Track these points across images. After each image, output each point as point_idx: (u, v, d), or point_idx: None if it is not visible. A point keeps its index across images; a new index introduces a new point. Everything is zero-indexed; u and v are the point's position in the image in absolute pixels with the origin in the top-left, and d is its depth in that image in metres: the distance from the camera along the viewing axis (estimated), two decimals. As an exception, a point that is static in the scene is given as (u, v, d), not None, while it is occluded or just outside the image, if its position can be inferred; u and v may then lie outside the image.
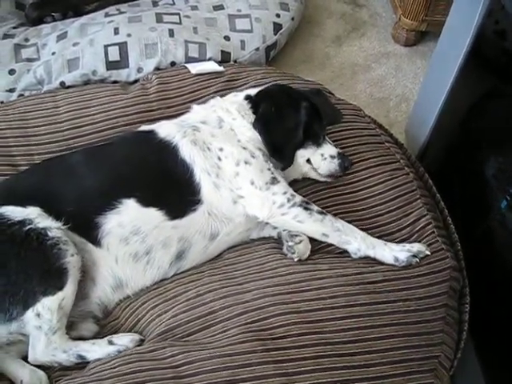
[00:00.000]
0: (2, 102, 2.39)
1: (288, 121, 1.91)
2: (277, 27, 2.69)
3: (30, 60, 2.47)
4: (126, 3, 2.75)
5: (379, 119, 2.49)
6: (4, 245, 1.63)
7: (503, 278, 1.93)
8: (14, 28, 2.63)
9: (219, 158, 1.85)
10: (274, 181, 1.83)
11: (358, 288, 1.68)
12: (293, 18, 2.77)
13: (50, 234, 1.64)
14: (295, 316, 1.59)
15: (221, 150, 1.86)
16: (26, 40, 2.54)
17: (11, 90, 2.41)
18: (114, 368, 1.49)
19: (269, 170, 1.85)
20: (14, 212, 1.67)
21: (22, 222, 1.64)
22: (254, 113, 1.94)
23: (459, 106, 2.25)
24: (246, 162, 1.84)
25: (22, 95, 2.40)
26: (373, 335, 1.60)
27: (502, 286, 1.94)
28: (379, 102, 2.86)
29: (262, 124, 1.89)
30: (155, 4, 2.77)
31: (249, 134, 1.90)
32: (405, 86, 2.92)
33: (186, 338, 1.61)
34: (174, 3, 2.79)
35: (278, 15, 2.71)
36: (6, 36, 2.55)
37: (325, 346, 1.54)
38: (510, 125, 2.01)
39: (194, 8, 2.66)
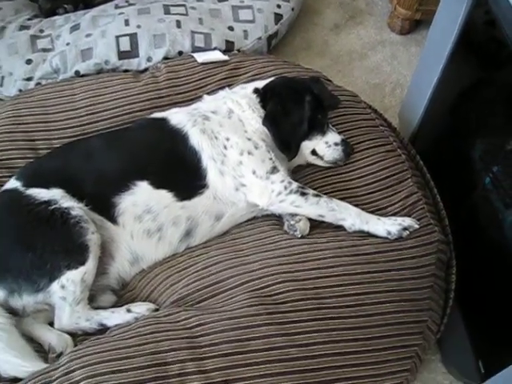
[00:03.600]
0: (20, 90, 2.49)
1: (293, 117, 2.01)
2: (278, 17, 2.77)
3: (45, 50, 2.56)
4: None
5: (375, 104, 2.59)
6: (32, 223, 1.76)
7: (487, 250, 2.04)
8: (29, 19, 2.74)
9: (225, 147, 1.95)
10: (273, 170, 1.94)
11: (353, 259, 1.81)
12: (293, 9, 2.86)
13: (72, 213, 1.77)
14: (295, 283, 1.73)
15: (227, 139, 1.96)
16: (41, 31, 2.64)
17: (29, 79, 2.50)
18: (134, 330, 1.64)
19: (270, 159, 1.96)
20: (40, 193, 1.80)
21: (48, 202, 1.77)
22: (262, 107, 2.04)
23: (449, 92, 2.31)
24: (249, 153, 1.95)
25: (39, 83, 2.50)
26: (366, 301, 1.74)
27: (487, 257, 2.04)
28: (375, 87, 2.92)
29: (271, 122, 1.99)
30: None
31: (256, 126, 2.00)
32: (399, 72, 2.98)
33: (197, 305, 1.75)
34: None
35: (278, 6, 2.79)
36: (22, 27, 2.66)
37: (322, 310, 1.69)
38: (496, 110, 2.06)
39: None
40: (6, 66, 2.54)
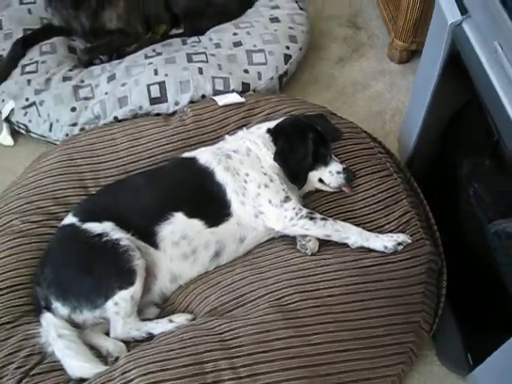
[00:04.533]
0: (67, 135, 2.77)
1: (299, 153, 2.23)
2: (287, 57, 2.98)
3: (86, 99, 2.82)
4: (159, 43, 3.08)
5: (376, 130, 2.83)
6: (88, 253, 2.01)
7: (474, 258, 2.24)
8: (70, 70, 2.98)
9: (245, 181, 2.17)
10: (286, 199, 2.14)
11: (354, 271, 2.04)
12: (301, 48, 3.07)
13: (121, 243, 2.00)
14: (306, 294, 1.97)
15: (247, 175, 2.18)
16: (82, 81, 2.89)
17: (74, 125, 2.78)
18: (176, 336, 1.90)
19: (283, 190, 2.17)
20: (94, 227, 2.04)
21: (101, 235, 2.01)
22: (274, 144, 2.26)
23: (442, 116, 2.45)
24: (265, 186, 2.16)
25: (83, 129, 2.76)
26: (366, 306, 1.97)
27: (474, 264, 2.24)
28: (377, 114, 3.09)
29: (280, 158, 2.22)
30: (184, 42, 3.09)
31: (270, 162, 2.23)
32: (399, 99, 3.15)
33: (227, 314, 2.00)
34: (200, 41, 3.07)
35: (287, 47, 3.00)
36: (65, 79, 2.91)
37: (329, 315, 1.93)
38: (480, 132, 2.13)
39: (218, 46, 2.97)
40: (54, 114, 2.80)
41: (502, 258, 2.09)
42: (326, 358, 1.87)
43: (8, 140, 2.97)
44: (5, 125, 2.96)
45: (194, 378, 1.79)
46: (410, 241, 2.16)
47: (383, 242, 2.14)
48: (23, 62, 3.05)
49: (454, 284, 2.25)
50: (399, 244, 2.14)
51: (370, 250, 2.13)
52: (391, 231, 2.22)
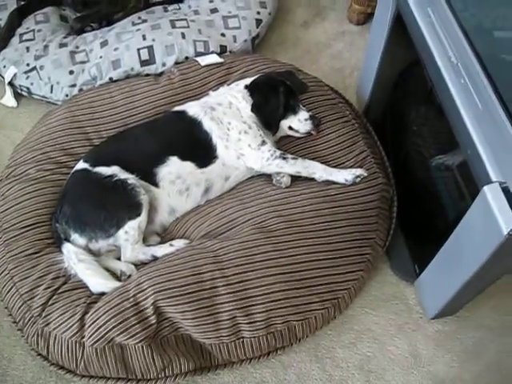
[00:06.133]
0: (66, 95, 2.98)
1: (272, 104, 2.48)
2: (258, 22, 3.21)
3: (82, 62, 3.01)
4: (143, 11, 3.31)
5: (338, 84, 3.05)
6: (101, 190, 2.24)
7: (419, 187, 2.55)
8: (65, 38, 3.17)
9: (228, 129, 2.41)
10: (263, 143, 2.40)
11: (321, 199, 2.34)
12: (270, 13, 3.30)
13: (129, 181, 2.24)
14: (281, 218, 2.27)
15: (229, 123, 2.42)
16: (77, 47, 3.08)
17: (73, 86, 2.98)
18: (178, 255, 2.18)
19: (260, 135, 2.42)
20: (104, 170, 2.27)
21: (111, 176, 2.25)
22: (251, 98, 2.50)
23: (391, 71, 2.68)
24: (245, 132, 2.41)
25: (81, 89, 2.96)
26: (331, 226, 2.27)
27: (419, 191, 2.55)
28: (337, 71, 3.31)
29: (256, 109, 2.47)
30: (165, 10, 3.32)
31: (249, 113, 2.47)
32: (357, 57, 3.34)
33: (218, 237, 2.27)
34: (180, 8, 3.32)
35: (258, 12, 3.23)
36: (61, 45, 3.10)
37: (301, 233, 2.23)
38: (422, 83, 2.31)
39: (196, 13, 3.19)
40: (54, 77, 3.00)
41: (441, 186, 2.42)
42: (299, 266, 2.17)
43: (12, 101, 3.19)
44: (8, 88, 3.16)
45: (195, 285, 2.09)
46: (366, 174, 2.43)
47: (344, 175, 2.41)
48: (20, 30, 3.23)
49: (403, 209, 2.55)
50: (357, 177, 2.41)
51: (333, 183, 2.41)
52: (351, 167, 2.50)
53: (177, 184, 2.39)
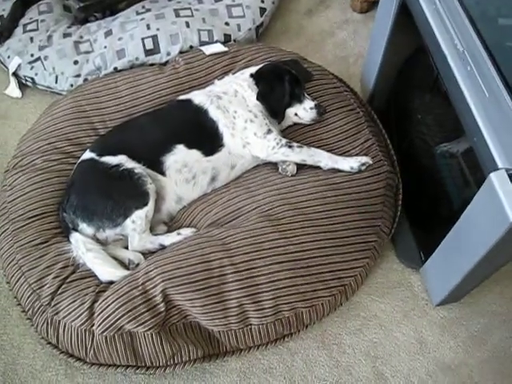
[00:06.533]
0: (71, 85, 3.00)
1: (277, 93, 2.50)
2: (262, 11, 3.24)
3: (87, 52, 3.02)
4: (146, 0, 3.29)
5: (342, 73, 3.03)
6: (109, 180, 2.25)
7: (424, 175, 2.55)
8: (68, 27, 3.18)
9: (234, 117, 2.42)
10: (269, 132, 2.41)
11: (326, 187, 2.35)
12: (273, 2, 3.33)
13: (135, 171, 2.24)
14: (288, 206, 2.28)
15: (235, 112, 2.43)
16: (81, 37, 3.10)
17: (78, 76, 2.99)
18: (186, 243, 2.19)
19: (266, 124, 2.43)
20: (111, 159, 2.28)
21: (118, 165, 2.26)
22: (257, 86, 2.51)
23: (396, 59, 2.67)
24: (251, 121, 2.42)
25: (86, 79, 2.97)
26: (336, 214, 2.29)
27: (424, 179, 2.54)
28: (342, 59, 3.32)
29: (262, 97, 2.49)
30: None
31: (254, 101, 2.48)
32: (361, 45, 3.36)
33: (225, 225, 2.29)
34: None
35: (262, 1, 3.25)
36: (65, 35, 3.11)
37: (307, 221, 2.24)
38: (427, 71, 2.29)
39: (200, 1, 3.22)
40: (58, 67, 3.01)
41: (445, 173, 2.43)
42: (305, 254, 2.19)
43: (16, 92, 3.20)
44: (12, 79, 3.17)
45: (203, 273, 2.11)
46: (371, 162, 2.45)
47: (349, 163, 2.43)
48: (24, 21, 3.24)
49: (409, 196, 2.57)
50: (362, 164, 2.43)
51: (338, 171, 2.43)
52: (356, 155, 2.51)
53: (183, 172, 2.39)
